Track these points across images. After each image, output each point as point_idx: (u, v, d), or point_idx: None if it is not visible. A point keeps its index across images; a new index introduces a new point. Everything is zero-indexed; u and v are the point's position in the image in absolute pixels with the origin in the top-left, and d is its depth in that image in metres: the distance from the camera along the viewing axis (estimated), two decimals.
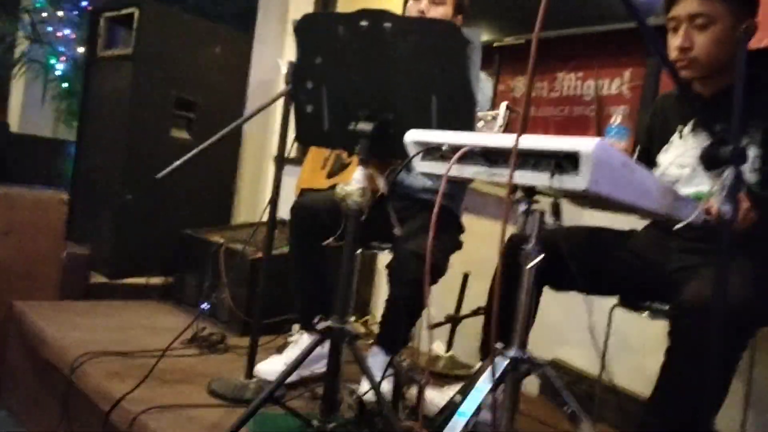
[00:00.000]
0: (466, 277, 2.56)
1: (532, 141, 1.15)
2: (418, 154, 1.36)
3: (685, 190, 1.54)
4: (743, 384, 1.73)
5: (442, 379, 2.38)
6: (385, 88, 1.63)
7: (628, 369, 2.04)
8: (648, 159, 1.79)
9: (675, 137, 1.71)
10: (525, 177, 1.20)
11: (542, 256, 1.28)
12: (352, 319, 2.90)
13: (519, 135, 1.08)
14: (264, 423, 1.73)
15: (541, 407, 2.21)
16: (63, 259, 2.83)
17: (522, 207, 1.32)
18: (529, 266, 1.30)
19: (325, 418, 1.67)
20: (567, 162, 1.13)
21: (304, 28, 1.71)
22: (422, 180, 2.14)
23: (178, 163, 1.70)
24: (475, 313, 2.40)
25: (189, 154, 1.73)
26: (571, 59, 2.57)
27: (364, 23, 1.61)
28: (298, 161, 3.27)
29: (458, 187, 2.19)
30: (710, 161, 1.13)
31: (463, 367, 2.46)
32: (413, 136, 1.39)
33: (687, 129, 1.69)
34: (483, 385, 1.27)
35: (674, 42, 1.59)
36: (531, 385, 2.36)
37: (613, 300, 1.75)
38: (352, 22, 1.63)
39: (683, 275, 1.46)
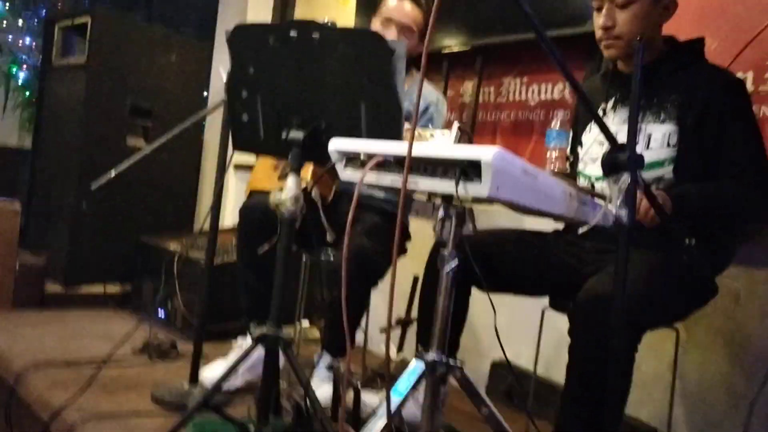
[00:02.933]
0: (416, 280, 2.59)
1: (434, 149, 1.18)
2: (338, 162, 1.38)
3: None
4: (670, 375, 1.78)
5: (392, 381, 2.41)
6: (316, 96, 1.66)
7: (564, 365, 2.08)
8: (576, 143, 1.83)
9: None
10: (434, 184, 1.23)
11: (456, 261, 1.31)
12: (306, 323, 2.92)
13: (410, 144, 1.11)
14: (203, 428, 1.75)
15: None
16: (16, 268, 2.82)
17: (440, 213, 1.35)
18: (446, 271, 1.32)
19: (261, 423, 1.69)
20: (472, 170, 1.16)
21: (236, 38, 1.73)
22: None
23: (112, 173, 1.71)
24: None
25: (124, 164, 1.75)
26: (515, 65, 2.61)
27: (293, 33, 1.63)
28: (250, 168, 3.29)
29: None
30: (609, 167, 1.17)
31: None
32: (335, 145, 1.42)
33: (609, 106, 1.73)
34: (402, 387, 1.30)
35: (598, 21, 1.63)
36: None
37: (546, 300, 1.80)
38: (281, 32, 1.65)
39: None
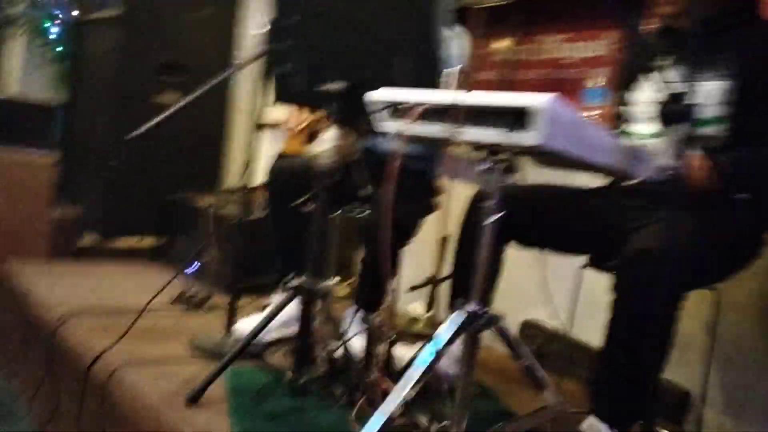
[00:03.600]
0: (445, 239, 2.59)
1: (486, 98, 1.17)
2: (380, 110, 1.37)
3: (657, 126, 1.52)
4: (705, 337, 1.76)
5: (421, 339, 2.43)
6: (359, 47, 1.64)
7: (600, 327, 2.08)
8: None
9: (652, 74, 1.70)
10: (483, 134, 1.21)
11: (501, 213, 1.30)
12: (336, 279, 2.94)
13: (466, 91, 1.09)
14: (240, 376, 1.78)
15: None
16: (53, 220, 2.87)
17: (483, 165, 1.34)
18: (487, 222, 1.32)
19: (298, 372, 1.72)
20: (523, 119, 1.14)
21: None
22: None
23: (147, 126, 1.72)
24: None
25: (158, 118, 1.75)
26: (554, 22, 2.55)
27: None
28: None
29: (434, 150, 2.20)
30: (667, 117, 1.15)
31: None
32: (376, 95, 1.40)
33: (666, 64, 1.67)
34: (440, 338, 1.31)
35: None
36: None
37: (582, 259, 1.78)
38: None
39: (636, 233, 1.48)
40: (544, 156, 1.26)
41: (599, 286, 1.96)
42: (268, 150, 2.39)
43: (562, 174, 1.66)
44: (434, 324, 2.54)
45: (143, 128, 1.71)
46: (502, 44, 2.73)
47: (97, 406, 1.78)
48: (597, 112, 2.14)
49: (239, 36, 3.58)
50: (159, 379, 1.75)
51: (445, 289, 2.57)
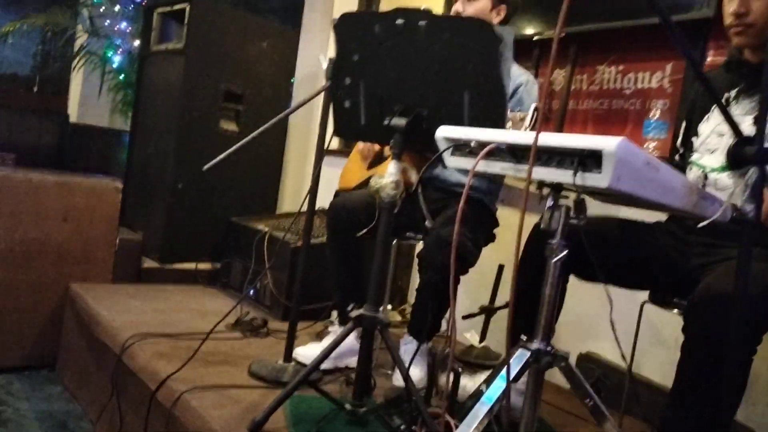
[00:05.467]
0: (501, 268, 2.59)
1: (556, 139, 1.18)
2: (447, 149, 1.40)
3: (723, 158, 1.51)
4: None
5: (475, 368, 2.43)
6: (419, 83, 1.68)
7: (660, 362, 2.05)
8: (691, 132, 1.78)
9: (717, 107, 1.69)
10: (549, 174, 1.22)
11: (567, 251, 1.30)
12: (389, 307, 2.97)
13: (538, 132, 1.11)
14: (300, 404, 1.82)
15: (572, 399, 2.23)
16: (117, 244, 2.98)
17: (549, 202, 1.35)
18: (554, 260, 1.32)
19: (358, 402, 1.74)
20: (590, 160, 1.15)
21: (342, 26, 1.77)
22: (457, 174, 2.18)
23: (223, 155, 1.78)
24: (508, 304, 2.43)
25: (233, 147, 1.81)
26: (611, 52, 2.55)
27: (399, 21, 1.66)
28: (339, 152, 3.35)
29: (493, 181, 2.22)
30: (735, 160, 1.14)
31: (496, 358, 2.50)
32: (444, 132, 1.43)
33: (732, 95, 1.67)
34: (504, 374, 1.31)
35: (729, 7, 1.57)
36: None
37: (644, 294, 1.76)
38: (388, 20, 1.68)
39: (703, 272, 1.46)
40: (611, 196, 1.27)
41: (661, 320, 1.94)
42: (327, 175, 2.44)
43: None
44: (489, 354, 2.53)
45: (218, 159, 1.77)
46: (558, 75, 2.74)
47: (163, 430, 1.84)
48: (656, 143, 2.13)
49: (294, 66, 3.67)
50: (222, 406, 1.79)
51: (498, 319, 2.57)
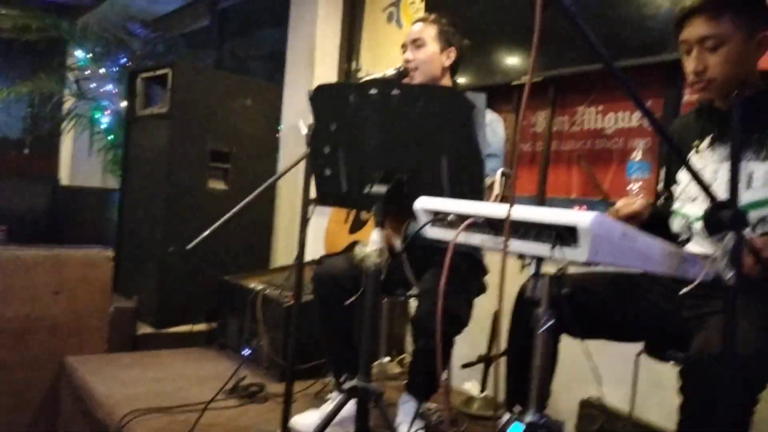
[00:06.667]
0: (497, 315, 2.57)
1: (531, 212, 1.18)
2: (427, 224, 1.40)
3: (704, 207, 1.52)
4: None
5: (477, 420, 2.40)
6: (397, 150, 1.68)
7: (662, 406, 2.02)
8: (671, 179, 1.78)
9: (692, 154, 1.69)
10: (528, 247, 1.22)
11: (552, 321, 1.29)
12: (387, 359, 2.94)
13: (511, 207, 1.12)
14: None
15: None
16: (111, 313, 2.97)
17: (532, 269, 1.34)
18: (540, 330, 1.31)
19: None
20: (568, 233, 1.15)
21: (317, 98, 1.78)
22: None
23: (208, 231, 1.79)
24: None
25: (217, 223, 1.84)
26: (590, 93, 2.57)
27: (373, 92, 1.67)
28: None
29: None
30: (712, 226, 1.14)
31: (498, 408, 2.46)
32: (422, 203, 1.43)
33: (704, 144, 1.67)
34: None
35: (688, 66, 1.58)
36: None
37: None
38: (362, 90, 1.69)
39: (695, 324, 1.45)
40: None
41: (663, 365, 1.92)
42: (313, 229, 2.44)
43: None
44: (490, 404, 2.50)
45: (203, 236, 1.78)
46: (538, 117, 2.76)
47: None
48: (640, 184, 2.13)
49: (279, 119, 3.70)
50: None
51: (499, 367, 2.54)
